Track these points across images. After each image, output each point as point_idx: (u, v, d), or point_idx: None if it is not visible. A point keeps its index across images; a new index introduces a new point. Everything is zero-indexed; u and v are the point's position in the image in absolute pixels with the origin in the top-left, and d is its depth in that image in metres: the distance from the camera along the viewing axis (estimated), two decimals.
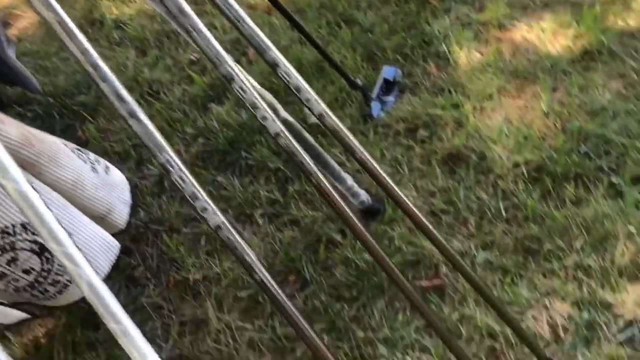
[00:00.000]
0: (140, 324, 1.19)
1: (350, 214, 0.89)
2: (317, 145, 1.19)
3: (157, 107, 1.67)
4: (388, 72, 1.64)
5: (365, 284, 1.25)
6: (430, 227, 1.03)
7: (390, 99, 1.62)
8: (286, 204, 1.41)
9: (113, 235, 1.33)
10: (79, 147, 1.21)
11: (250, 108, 0.74)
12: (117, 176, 1.29)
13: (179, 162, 0.69)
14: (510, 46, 1.74)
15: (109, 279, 1.32)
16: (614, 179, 1.36)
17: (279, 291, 0.75)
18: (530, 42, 1.74)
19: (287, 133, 0.74)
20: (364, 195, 1.35)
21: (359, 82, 1.56)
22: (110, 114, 1.70)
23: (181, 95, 1.70)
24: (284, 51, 1.70)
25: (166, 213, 1.43)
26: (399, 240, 1.31)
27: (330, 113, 0.80)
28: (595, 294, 1.18)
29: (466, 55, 1.71)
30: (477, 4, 1.84)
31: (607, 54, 1.65)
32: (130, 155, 1.55)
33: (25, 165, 1.01)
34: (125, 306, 1.26)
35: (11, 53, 1.34)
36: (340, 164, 1.43)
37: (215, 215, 0.71)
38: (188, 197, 0.70)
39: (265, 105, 0.73)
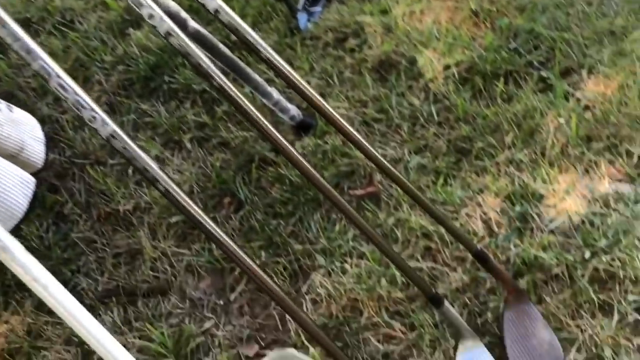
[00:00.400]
0: (74, 260, 1.16)
1: (266, 124, 0.85)
2: (235, 58, 1.14)
3: (72, 37, 1.57)
4: None
5: (301, 199, 1.23)
6: (359, 136, 1.01)
7: (317, 9, 1.56)
8: (215, 127, 1.36)
9: (34, 174, 1.28)
10: None
11: (134, 6, 0.68)
12: (23, 114, 1.22)
13: (56, 68, 0.64)
14: None
15: (36, 217, 1.27)
16: (543, 73, 1.35)
17: (186, 199, 0.72)
18: None
19: (178, 32, 0.69)
20: (293, 110, 1.31)
21: None
22: None
23: (97, 22, 1.60)
24: None
25: (90, 146, 1.37)
26: (332, 152, 1.28)
27: (227, 8, 0.74)
28: (527, 187, 1.19)
29: None
30: None
31: None
32: (48, 90, 1.47)
33: None
34: (56, 243, 1.22)
35: None
36: (269, 80, 1.38)
37: (106, 125, 0.66)
38: (72, 107, 0.65)
39: (150, 2, 0.67)
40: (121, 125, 1.36)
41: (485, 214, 1.18)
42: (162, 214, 1.25)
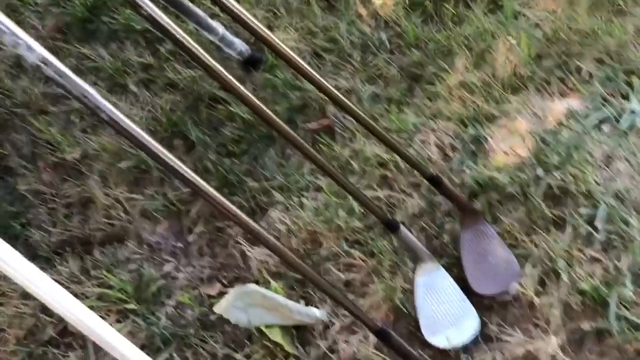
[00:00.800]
0: (23, 213, 1.12)
1: (211, 60, 0.82)
2: None
3: None
4: None
5: (254, 136, 1.21)
6: (309, 68, 0.98)
7: None
8: (160, 67, 1.32)
9: None
10: None
11: None
12: None
13: None
14: None
15: None
16: None
17: (133, 126, 0.69)
18: None
19: None
20: (240, 45, 1.26)
21: None
22: None
23: None
24: None
25: (32, 95, 1.31)
26: (284, 86, 1.26)
27: None
28: (479, 109, 1.18)
29: None
30: None
31: None
32: None
33: None
34: (2, 198, 1.18)
35: None
36: (213, 15, 1.32)
37: (32, 51, 0.61)
38: (8, 45, 0.60)
39: None
40: None
41: (439, 139, 1.17)
42: (111, 159, 1.21)
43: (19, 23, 1.37)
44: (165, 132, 1.25)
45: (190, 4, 1.15)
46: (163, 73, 1.30)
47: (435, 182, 1.04)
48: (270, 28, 1.29)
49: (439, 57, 1.25)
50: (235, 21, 0.94)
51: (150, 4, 0.71)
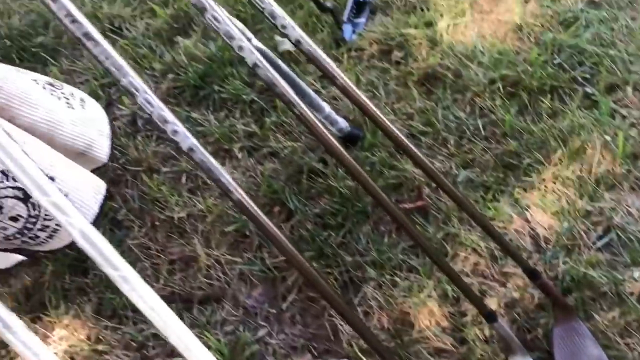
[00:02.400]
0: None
1: (333, 141, 0.88)
2: (293, 73, 1.16)
3: (121, 44, 1.60)
4: None
5: (350, 210, 1.26)
6: (413, 147, 1.03)
7: (361, 20, 1.58)
8: (264, 136, 1.39)
9: (97, 170, 1.31)
10: (51, 82, 1.16)
11: (226, 38, 0.71)
12: (94, 108, 1.24)
13: (143, 84, 0.67)
14: None
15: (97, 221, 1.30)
16: (588, 89, 1.37)
17: (257, 210, 0.75)
18: None
19: (265, 63, 0.72)
20: (342, 122, 1.33)
21: (328, 4, 1.51)
22: (73, 54, 1.63)
23: (145, 29, 1.63)
24: None
25: (143, 153, 1.40)
26: (380, 164, 1.31)
27: (308, 39, 0.77)
28: (574, 204, 1.21)
29: None
30: None
31: None
32: (99, 97, 1.50)
33: None
34: None
35: None
36: (316, 91, 1.41)
37: (187, 138, 0.70)
38: (157, 121, 0.69)
39: (240, 35, 0.70)
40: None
41: (533, 229, 1.20)
42: (215, 222, 1.28)
43: None
44: (264, 198, 1.32)
45: (304, 84, 1.23)
46: (266, 142, 1.38)
47: (533, 274, 1.06)
48: None
49: (534, 148, 1.29)
50: (345, 96, 1.00)
51: (299, 101, 0.78)
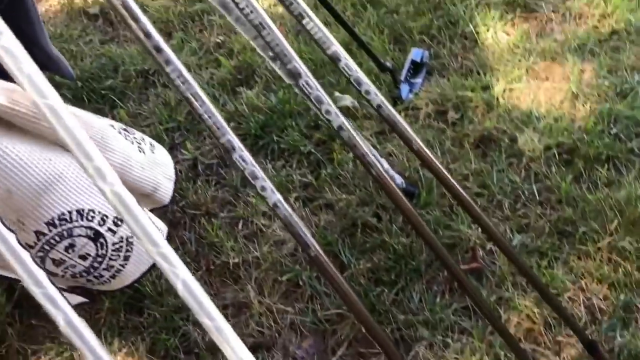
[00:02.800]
0: (184, 308, 1.21)
1: (404, 199, 0.90)
2: (358, 131, 1.20)
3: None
4: (416, 53, 1.64)
5: (403, 268, 1.27)
6: (471, 201, 1.03)
7: (418, 80, 1.62)
8: (320, 188, 1.42)
9: (157, 210, 1.35)
10: (125, 127, 1.21)
11: (315, 102, 0.75)
12: (162, 153, 1.29)
13: (239, 143, 0.71)
14: (537, 26, 1.73)
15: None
16: None
17: (333, 269, 0.77)
18: (557, 22, 1.74)
19: (348, 125, 0.76)
20: (398, 179, 1.36)
21: (388, 64, 1.57)
22: (140, 98, 1.70)
23: (209, 78, 1.70)
24: None
25: (202, 197, 1.44)
26: (435, 223, 1.33)
27: (389, 105, 0.81)
28: (631, 275, 1.20)
29: (493, 36, 1.70)
30: None
31: (635, 34, 1.65)
32: (163, 140, 1.56)
33: None
34: (167, 290, 1.29)
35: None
36: (373, 146, 1.45)
37: (273, 194, 0.73)
38: (248, 176, 0.73)
39: (328, 99, 0.74)
40: (231, 179, 1.45)
41: (588, 299, 1.19)
42: (269, 270, 1.31)
43: (199, 133, 1.54)
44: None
45: (365, 141, 1.26)
46: (322, 194, 1.41)
47: (591, 346, 1.05)
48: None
49: (589, 217, 1.29)
50: (419, 158, 1.02)
51: (377, 163, 0.81)
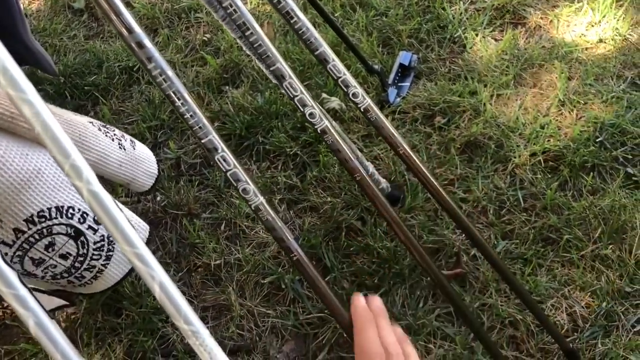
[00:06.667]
0: (163, 309, 1.19)
1: (389, 208, 0.89)
2: (345, 134, 1.19)
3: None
4: (404, 57, 1.63)
5: (387, 272, 1.26)
6: (454, 205, 1.02)
7: (406, 84, 1.62)
8: (305, 190, 1.41)
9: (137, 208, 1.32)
10: (104, 124, 1.19)
11: (299, 105, 0.73)
12: (143, 150, 1.27)
13: (223, 144, 0.70)
14: (525, 33, 1.73)
15: None
16: (630, 170, 1.38)
17: (315, 272, 0.76)
18: (545, 29, 1.74)
19: (332, 129, 0.74)
20: (384, 183, 1.35)
21: (376, 67, 1.56)
22: (123, 95, 1.67)
23: (195, 77, 1.68)
24: None
25: (184, 197, 1.42)
26: (419, 228, 1.32)
27: (376, 109, 0.79)
28: (613, 284, 1.20)
29: (481, 42, 1.70)
30: None
31: (621, 42, 1.65)
32: (146, 138, 1.54)
33: None
34: (146, 291, 1.26)
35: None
36: (360, 149, 1.43)
37: (256, 197, 0.71)
38: (230, 178, 0.71)
39: (313, 102, 0.73)
40: (215, 179, 1.43)
41: (571, 307, 1.19)
42: (251, 272, 1.29)
43: (183, 132, 1.52)
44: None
45: (352, 145, 1.25)
46: (306, 196, 1.40)
47: (572, 355, 1.05)
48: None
49: (574, 224, 1.29)
50: (404, 162, 1.01)
51: (362, 168, 0.80)
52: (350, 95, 0.78)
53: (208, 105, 1.60)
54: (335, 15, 1.78)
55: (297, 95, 0.72)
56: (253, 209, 0.77)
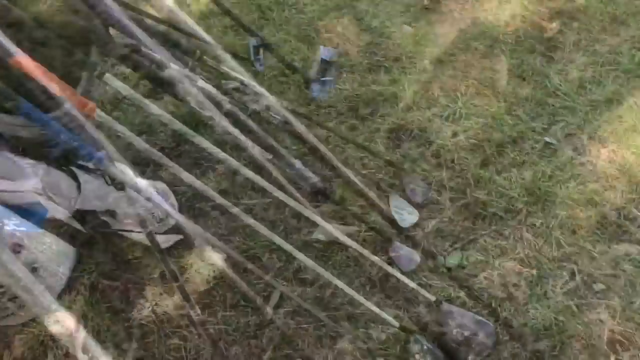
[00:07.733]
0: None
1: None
2: (265, 134, 1.19)
3: None
4: (325, 52, 1.64)
5: (328, 264, 1.28)
6: (377, 200, 1.05)
7: (329, 79, 1.63)
8: (236, 195, 1.41)
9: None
10: None
11: (197, 108, 0.74)
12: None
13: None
14: (440, 18, 1.77)
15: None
16: (547, 139, 1.43)
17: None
18: (459, 11, 1.78)
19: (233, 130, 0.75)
20: (312, 178, 1.36)
21: (296, 64, 1.57)
22: None
23: None
24: (218, 39, 1.68)
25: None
26: (352, 218, 1.33)
27: (283, 111, 0.80)
28: (540, 250, 1.25)
29: (398, 30, 1.73)
30: None
31: (531, 18, 1.71)
32: None
33: None
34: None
35: None
36: (287, 147, 1.44)
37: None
38: None
39: (212, 106, 0.73)
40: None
41: (502, 277, 1.23)
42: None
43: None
44: (242, 256, 1.32)
45: (275, 144, 1.25)
46: (240, 200, 1.40)
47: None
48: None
49: (500, 197, 1.33)
50: (317, 157, 1.03)
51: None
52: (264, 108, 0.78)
53: None
54: (252, 15, 1.79)
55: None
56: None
